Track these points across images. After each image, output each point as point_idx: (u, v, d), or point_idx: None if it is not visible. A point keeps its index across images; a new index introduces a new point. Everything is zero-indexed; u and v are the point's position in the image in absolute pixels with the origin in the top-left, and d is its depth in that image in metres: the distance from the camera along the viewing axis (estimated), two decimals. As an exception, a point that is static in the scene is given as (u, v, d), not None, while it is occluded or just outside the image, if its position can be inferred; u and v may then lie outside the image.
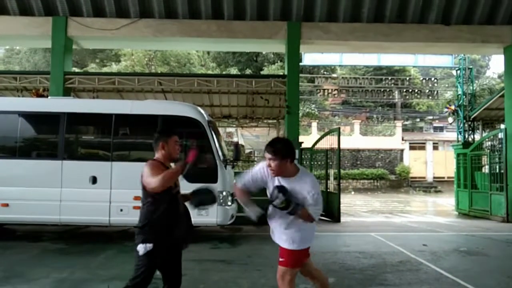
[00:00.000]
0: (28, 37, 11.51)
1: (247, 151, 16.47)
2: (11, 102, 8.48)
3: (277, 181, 3.22)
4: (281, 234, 3.31)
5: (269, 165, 3.17)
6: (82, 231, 9.06)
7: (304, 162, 13.04)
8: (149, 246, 3.02)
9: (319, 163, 13.20)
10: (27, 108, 8.00)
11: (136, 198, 7.67)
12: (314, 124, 27.28)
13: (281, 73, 14.01)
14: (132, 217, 7.41)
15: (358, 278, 5.50)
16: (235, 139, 18.44)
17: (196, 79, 11.18)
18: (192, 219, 7.51)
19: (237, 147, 7.95)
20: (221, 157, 7.74)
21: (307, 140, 14.96)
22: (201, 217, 7.57)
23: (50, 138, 8.24)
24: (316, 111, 27.25)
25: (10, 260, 6.34)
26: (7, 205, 7.48)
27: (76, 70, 24.40)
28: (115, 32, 11.12)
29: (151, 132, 7.65)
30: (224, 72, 26.25)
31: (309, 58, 15.52)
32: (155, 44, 13.18)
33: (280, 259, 3.34)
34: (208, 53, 30.91)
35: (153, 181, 2.96)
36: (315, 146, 13.01)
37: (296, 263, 3.35)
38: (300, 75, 12.55)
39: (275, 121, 14.18)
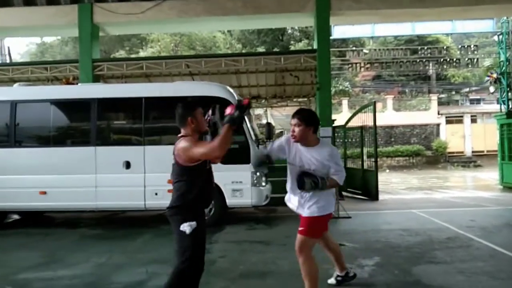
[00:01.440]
0: (55, 26, 11.56)
1: (277, 131, 16.15)
2: (41, 91, 8.50)
3: (296, 149, 3.46)
4: (302, 203, 3.45)
5: (293, 131, 3.39)
6: (119, 216, 9.14)
7: (337, 141, 12.68)
8: (194, 224, 2.88)
9: (353, 140, 12.79)
10: (57, 95, 8.02)
11: (170, 181, 7.65)
12: (345, 102, 26.57)
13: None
14: (167, 201, 7.37)
15: (404, 256, 5.20)
16: (264, 121, 18.19)
17: (223, 60, 10.91)
18: (227, 201, 7.42)
19: (269, 127, 7.69)
20: (253, 138, 7.53)
21: (338, 119, 14.51)
22: (235, 198, 7.45)
23: (82, 125, 8.24)
24: (349, 88, 26.39)
25: (50, 246, 6.42)
26: (45, 193, 7.58)
27: (105, 59, 24.63)
28: (140, 16, 10.97)
29: (182, 114, 7.68)
30: (250, 53, 25.82)
31: (339, 31, 14.89)
32: (181, 26, 12.96)
33: (300, 228, 3.43)
34: (231, 34, 30.52)
35: (207, 149, 2.76)
36: (348, 124, 12.58)
37: (315, 232, 3.46)
38: (330, 49, 12.03)
39: (306, 99, 13.76)
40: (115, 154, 7.60)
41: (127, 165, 7.51)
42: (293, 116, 3.46)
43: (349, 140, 12.98)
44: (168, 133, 7.93)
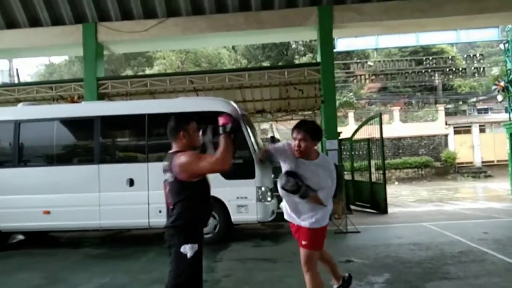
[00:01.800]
0: (61, 46, 11.67)
1: (283, 145, 16.12)
2: (44, 110, 8.49)
3: (296, 162, 3.29)
4: (301, 214, 3.34)
5: (299, 145, 3.21)
6: (124, 234, 9.02)
7: (344, 153, 12.52)
8: (196, 246, 2.71)
9: (359, 153, 12.62)
10: (60, 114, 8.01)
11: (169, 204, 7.55)
12: (351, 114, 26.43)
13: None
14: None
15: (416, 272, 5.01)
16: (270, 135, 18.11)
17: (227, 75, 10.91)
18: (232, 217, 7.28)
19: (273, 140, 7.56)
20: (257, 152, 7.42)
21: (344, 132, 14.35)
22: (240, 214, 7.31)
23: (85, 143, 8.21)
24: (353, 99, 26.23)
25: (53, 266, 6.31)
26: (48, 212, 7.51)
27: (111, 78, 24.82)
28: (144, 34, 11.03)
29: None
30: (255, 69, 25.88)
31: (343, 43, 14.88)
32: (184, 42, 13.03)
33: (303, 242, 3.36)
34: (235, 50, 30.72)
35: (212, 163, 2.61)
36: (354, 136, 12.43)
37: (319, 244, 3.42)
38: (334, 62, 11.99)
39: (311, 112, 13.68)
40: (119, 172, 7.53)
41: (131, 182, 7.43)
42: (298, 129, 3.27)
43: (356, 152, 12.82)
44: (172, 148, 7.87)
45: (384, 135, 10.74)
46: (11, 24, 11.36)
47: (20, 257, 7.22)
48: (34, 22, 11.33)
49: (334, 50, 13.46)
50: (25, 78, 37.61)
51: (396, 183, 22.86)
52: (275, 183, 7.97)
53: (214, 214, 7.31)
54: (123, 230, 8.95)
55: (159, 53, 28.29)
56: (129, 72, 31.39)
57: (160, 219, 7.33)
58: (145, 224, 7.48)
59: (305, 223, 3.34)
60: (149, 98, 11.86)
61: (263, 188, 7.30)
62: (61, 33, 11.26)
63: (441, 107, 27.44)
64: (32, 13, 11.17)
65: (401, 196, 15.72)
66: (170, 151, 2.89)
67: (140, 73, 28.79)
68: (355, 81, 22.93)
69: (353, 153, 12.70)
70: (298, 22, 10.66)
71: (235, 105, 7.73)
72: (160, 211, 7.34)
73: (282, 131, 17.15)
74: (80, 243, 8.21)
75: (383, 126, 10.67)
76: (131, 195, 7.41)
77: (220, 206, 7.28)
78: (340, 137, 11.65)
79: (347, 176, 12.11)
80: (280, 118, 14.61)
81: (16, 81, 20.67)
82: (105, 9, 11.08)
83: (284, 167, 3.37)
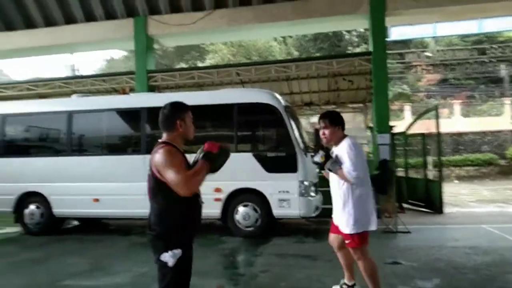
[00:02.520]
0: (114, 40, 12.06)
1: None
2: (95, 101, 8.77)
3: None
4: (340, 215, 3.59)
5: (323, 133, 3.60)
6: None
7: (398, 149, 11.87)
8: (178, 252, 2.38)
9: (414, 148, 11.89)
10: (109, 105, 8.24)
11: (216, 190, 7.52)
12: (407, 108, 25.14)
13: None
14: (214, 209, 7.34)
15: (470, 278, 4.55)
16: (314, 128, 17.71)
17: (273, 66, 10.70)
18: (273, 211, 7.11)
19: (317, 133, 7.26)
20: (301, 145, 7.17)
21: (400, 125, 13.61)
22: (282, 208, 7.12)
23: (133, 134, 8.39)
24: (408, 91, 24.86)
25: (99, 253, 6.51)
26: (98, 200, 7.77)
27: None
28: (192, 27, 11.10)
29: (228, 122, 7.53)
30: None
31: (397, 32, 14.01)
32: (231, 34, 12.93)
33: (346, 241, 3.60)
34: (286, 43, 30.28)
35: (177, 181, 2.28)
36: (410, 130, 11.71)
37: (361, 242, 3.56)
38: (388, 51, 11.33)
39: (361, 105, 13.11)
40: (164, 162, 7.59)
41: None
42: (320, 119, 3.68)
43: (411, 148, 12.09)
44: (216, 141, 7.82)
45: (444, 130, 10.00)
46: (69, 19, 11.91)
47: (71, 241, 7.56)
48: (90, 17, 11.80)
49: (387, 39, 12.74)
50: (87, 73, 39.72)
51: (456, 181, 21.43)
52: (320, 178, 7.72)
53: (256, 207, 7.20)
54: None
55: (211, 47, 28.60)
56: (182, 66, 32.12)
57: (202, 210, 7.43)
58: (187, 215, 7.50)
59: (344, 227, 3.56)
60: (197, 91, 11.97)
61: (306, 183, 7.04)
62: (114, 27, 11.64)
63: (507, 101, 25.28)
64: (87, 8, 11.64)
65: (460, 195, 14.65)
66: (160, 140, 2.59)
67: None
68: (412, 72, 21.70)
69: (407, 148, 12.01)
70: (348, 10, 10.19)
71: (278, 96, 7.52)
72: (203, 202, 7.37)
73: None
74: (128, 231, 8.43)
75: (442, 121, 9.92)
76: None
77: (261, 200, 7.14)
78: (393, 131, 11.11)
79: (401, 173, 11.50)
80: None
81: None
82: (155, 2, 11.28)
83: None
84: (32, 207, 8.03)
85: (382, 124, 9.80)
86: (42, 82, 12.08)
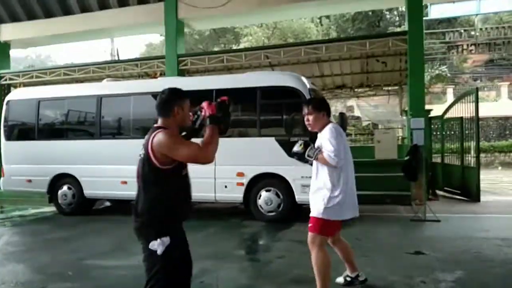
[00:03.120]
0: (145, 24, 12.16)
1: (364, 123, 15.00)
2: (123, 86, 8.91)
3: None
4: (311, 199, 3.55)
5: (307, 119, 3.52)
6: (196, 207, 9.26)
7: (434, 134, 11.32)
8: (166, 240, 2.31)
9: (453, 133, 11.27)
10: (136, 90, 8.37)
11: (239, 174, 7.51)
12: (450, 91, 23.92)
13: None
14: (236, 194, 7.34)
15: (497, 273, 4.26)
16: (356, 113, 17.12)
17: (303, 48, 10.37)
18: (296, 197, 7.01)
19: (343, 117, 7.05)
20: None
21: (441, 109, 12.91)
22: (305, 194, 6.92)
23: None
24: (447, 73, 23.51)
25: (122, 233, 6.66)
26: (125, 182, 7.95)
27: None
28: (221, 9, 10.95)
29: (251, 106, 7.43)
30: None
31: (437, 10, 13.19)
32: (262, 16, 12.72)
33: (309, 224, 3.49)
34: (322, 24, 29.44)
35: (195, 152, 2.28)
36: (449, 114, 11.09)
37: (323, 231, 3.43)
38: (427, 31, 10.71)
39: (396, 87, 12.56)
40: (188, 146, 7.65)
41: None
42: (304, 105, 3.61)
43: (449, 133, 11.48)
44: (237, 124, 7.79)
45: (489, 114, 9.47)
46: (103, 4, 12.14)
47: (100, 222, 7.84)
48: (123, 2, 11.96)
49: (426, 18, 12.07)
50: (126, 58, 40.60)
51: (500, 168, 20.28)
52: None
53: (278, 192, 7.12)
54: (194, 203, 9.18)
55: (245, 30, 28.38)
56: (216, 50, 32.17)
57: (225, 194, 7.48)
58: (211, 198, 7.57)
59: (312, 209, 3.52)
60: (226, 74, 11.91)
61: (330, 168, 6.84)
62: (146, 11, 11.74)
63: (562, 82, 23.44)
64: (120, -8, 11.81)
65: (502, 183, 13.85)
66: (155, 125, 2.51)
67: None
68: (455, 52, 20.48)
69: (444, 133, 11.41)
70: (382, -13, 9.69)
71: (303, 79, 7.31)
72: (226, 186, 7.41)
73: (364, 108, 16.05)
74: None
75: (488, 104, 9.36)
76: (199, 169, 7.45)
77: (284, 185, 7.05)
78: (430, 115, 10.59)
79: (436, 159, 10.99)
80: (362, 93, 13.68)
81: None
82: (185, -15, 11.23)
83: None
84: (64, 188, 8.37)
85: (416, 108, 9.36)
86: (77, 67, 12.44)
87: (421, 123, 9.24)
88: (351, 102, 22.20)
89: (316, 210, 3.40)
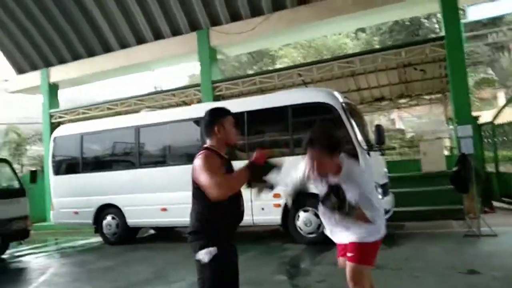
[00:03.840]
0: (180, 55, 12.49)
1: (409, 135, 14.32)
2: (159, 115, 9.07)
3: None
4: (344, 228, 2.75)
5: (313, 166, 2.73)
6: (239, 231, 9.14)
7: (485, 141, 10.58)
8: (213, 250, 2.39)
9: (506, 139, 10.46)
10: (171, 118, 8.51)
11: (275, 195, 7.29)
12: (501, 95, 22.51)
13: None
14: (274, 216, 7.16)
15: None
16: (397, 126, 16.46)
17: (335, 63, 10.19)
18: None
19: (379, 130, 6.72)
20: (363, 144, 6.68)
21: (490, 115, 12.10)
22: (346, 213, 6.67)
23: (195, 144, 8.55)
24: (493, 76, 22.10)
25: (163, 261, 6.71)
26: (165, 209, 8.04)
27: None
28: (251, 33, 11.09)
29: (283, 124, 7.31)
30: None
31: (475, 12, 12.52)
32: (291, 35, 12.53)
33: (349, 254, 2.78)
34: (358, 38, 29.03)
35: (209, 184, 2.28)
36: (500, 120, 10.33)
37: (368, 258, 2.76)
38: (469, 33, 10.18)
39: (440, 95, 11.96)
40: (224, 171, 7.62)
41: (271, 187, 7.41)
42: (307, 147, 2.75)
43: (502, 139, 10.68)
44: (271, 144, 7.68)
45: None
46: (140, 39, 12.69)
47: (142, 250, 7.92)
48: (158, 35, 12.44)
49: (467, 21, 11.52)
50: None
51: None
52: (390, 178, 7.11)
53: (317, 212, 6.84)
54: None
55: (281, 52, 28.60)
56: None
57: (263, 217, 7.32)
58: (249, 222, 7.42)
59: (350, 237, 2.77)
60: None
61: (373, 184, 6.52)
62: (179, 42, 12.11)
63: None
64: (155, 27, 12.29)
65: None
66: (204, 146, 2.61)
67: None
68: (502, 54, 19.34)
69: (497, 139, 10.63)
70: (412, -7, 9.38)
71: (336, 93, 7.11)
72: (263, 209, 7.25)
73: (406, 119, 15.37)
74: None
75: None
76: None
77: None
78: (479, 122, 9.95)
79: (490, 168, 10.22)
80: (404, 104, 13.14)
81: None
82: (215, 13, 11.52)
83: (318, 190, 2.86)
84: (108, 218, 8.60)
85: (462, 115, 8.84)
86: (119, 101, 12.97)
87: (469, 130, 8.68)
88: (394, 114, 21.52)
89: (352, 234, 2.76)
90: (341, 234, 2.84)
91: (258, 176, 2.39)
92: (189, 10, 11.69)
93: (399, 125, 15.05)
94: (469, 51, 12.28)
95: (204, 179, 2.33)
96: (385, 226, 2.97)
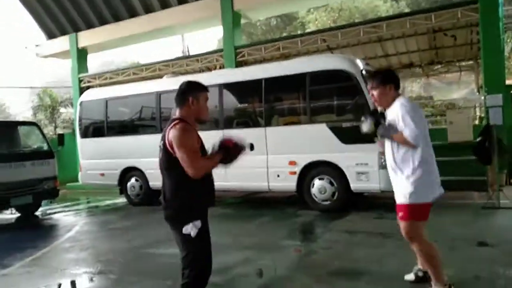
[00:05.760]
0: (202, 19, 12.38)
1: (437, 102, 13.75)
2: (178, 81, 9.14)
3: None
4: (395, 184, 3.15)
5: (372, 95, 3.26)
6: (258, 196, 9.30)
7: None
8: (198, 223, 2.45)
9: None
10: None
11: (291, 163, 7.38)
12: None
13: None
14: (289, 183, 7.23)
15: None
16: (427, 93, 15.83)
17: (362, 28, 9.78)
18: (351, 185, 6.70)
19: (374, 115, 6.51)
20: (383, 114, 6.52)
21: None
22: (360, 182, 6.67)
23: (212, 109, 8.61)
24: None
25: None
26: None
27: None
28: (275, -4, 10.82)
29: (301, 92, 7.23)
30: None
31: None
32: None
33: (398, 214, 3.12)
34: (397, 0, 27.64)
35: (187, 163, 2.39)
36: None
37: (416, 216, 3.05)
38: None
39: (472, 62, 11.38)
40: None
41: (251, 146, 7.50)
42: (369, 81, 3.36)
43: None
44: (288, 112, 7.65)
45: None
46: (164, 4, 12.64)
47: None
48: (182, 0, 12.34)
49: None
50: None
51: None
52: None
53: (332, 180, 6.86)
54: (259, 192, 9.18)
55: (310, 16, 27.76)
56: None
57: (278, 183, 7.41)
58: (265, 188, 7.56)
59: (398, 197, 3.12)
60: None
61: (387, 154, 6.43)
62: (203, 6, 11.95)
63: None
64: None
65: None
66: (173, 117, 2.62)
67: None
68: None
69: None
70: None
71: (356, 60, 6.92)
72: (278, 175, 7.34)
73: (436, 86, 14.77)
74: (217, 202, 8.82)
75: None
76: (252, 159, 7.49)
77: (337, 173, 6.77)
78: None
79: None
80: (433, 71, 12.61)
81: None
82: (240, -26, 11.24)
83: None
84: (132, 180, 8.95)
85: (493, 84, 8.41)
86: (145, 67, 13.13)
87: (499, 99, 8.31)
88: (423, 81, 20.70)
89: (402, 196, 3.05)
90: (395, 190, 3.17)
91: (229, 158, 2.58)
92: (213, -28, 11.47)
93: (426, 91, 14.49)
94: (507, 15, 11.47)
95: (183, 155, 2.39)
96: (439, 186, 3.09)
